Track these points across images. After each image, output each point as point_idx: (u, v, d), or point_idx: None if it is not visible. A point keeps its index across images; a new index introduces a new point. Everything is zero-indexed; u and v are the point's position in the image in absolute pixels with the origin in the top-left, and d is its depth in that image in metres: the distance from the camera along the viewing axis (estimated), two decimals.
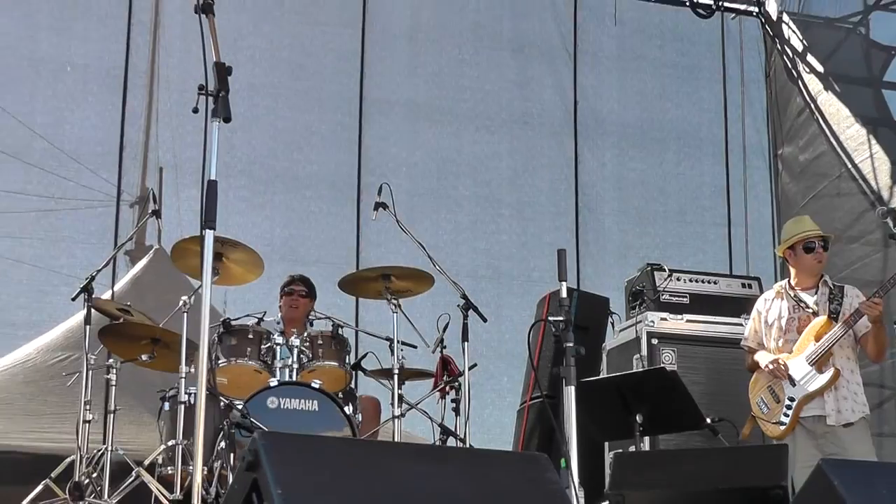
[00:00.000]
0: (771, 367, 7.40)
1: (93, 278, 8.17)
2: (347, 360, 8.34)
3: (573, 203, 12.58)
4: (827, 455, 6.97)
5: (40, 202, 10.80)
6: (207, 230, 4.57)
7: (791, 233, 7.73)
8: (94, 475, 7.62)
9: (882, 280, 7.37)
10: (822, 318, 7.29)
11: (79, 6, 11.39)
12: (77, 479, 7.47)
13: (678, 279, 8.97)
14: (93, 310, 8.11)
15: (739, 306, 8.85)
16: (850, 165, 11.44)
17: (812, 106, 12.18)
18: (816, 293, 7.49)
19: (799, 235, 7.62)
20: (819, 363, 7.21)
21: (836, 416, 7.16)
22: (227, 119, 4.69)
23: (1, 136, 10.84)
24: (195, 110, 4.76)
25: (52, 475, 7.68)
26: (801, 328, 7.40)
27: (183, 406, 7.41)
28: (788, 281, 7.67)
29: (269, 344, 8.02)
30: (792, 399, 7.27)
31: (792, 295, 7.56)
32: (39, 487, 7.48)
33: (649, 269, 9.03)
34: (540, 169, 12.68)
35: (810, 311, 7.42)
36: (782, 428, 7.28)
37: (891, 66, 11.79)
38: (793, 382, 7.27)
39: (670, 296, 8.86)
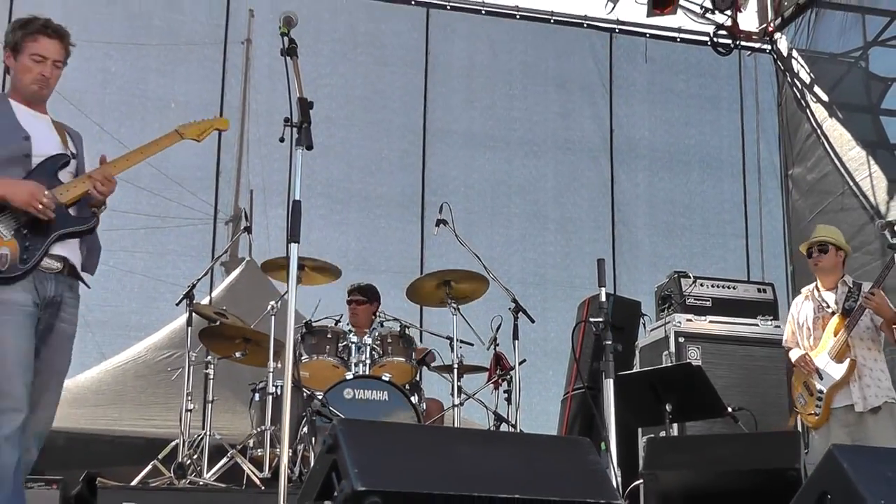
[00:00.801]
0: (800, 364, 7.36)
1: (194, 286, 8.26)
2: (413, 357, 8.35)
3: (610, 218, 12.51)
4: (855, 441, 6.91)
5: (149, 220, 10.88)
6: (292, 244, 4.58)
7: (804, 241, 7.74)
8: (195, 456, 7.68)
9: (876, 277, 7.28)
10: (838, 316, 7.22)
11: (181, 52, 11.46)
12: (180, 460, 7.53)
13: (701, 285, 8.93)
14: (194, 314, 8.18)
15: (756, 308, 8.83)
16: (851, 184, 11.32)
17: (818, 131, 12.07)
18: (836, 292, 7.40)
19: (805, 244, 7.63)
20: (839, 356, 7.13)
21: (862, 403, 7.07)
22: (310, 147, 4.70)
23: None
24: (282, 139, 4.77)
25: (159, 457, 7.73)
26: (824, 326, 7.32)
27: (271, 397, 7.45)
28: (816, 283, 7.60)
29: (345, 342, 8.06)
30: (821, 392, 7.19)
31: (817, 296, 7.51)
32: (148, 467, 7.53)
33: (676, 276, 8.99)
34: (580, 189, 12.63)
35: (830, 309, 7.35)
36: (816, 418, 7.20)
37: (887, 94, 11.65)
38: (821, 376, 7.20)
39: (695, 300, 8.82)
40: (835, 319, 7.25)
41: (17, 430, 4.46)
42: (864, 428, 7.07)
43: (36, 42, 4.95)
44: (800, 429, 7.62)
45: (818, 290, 7.53)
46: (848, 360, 7.09)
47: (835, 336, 7.20)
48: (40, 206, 4.66)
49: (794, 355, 7.51)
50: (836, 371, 7.13)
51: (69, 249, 4.90)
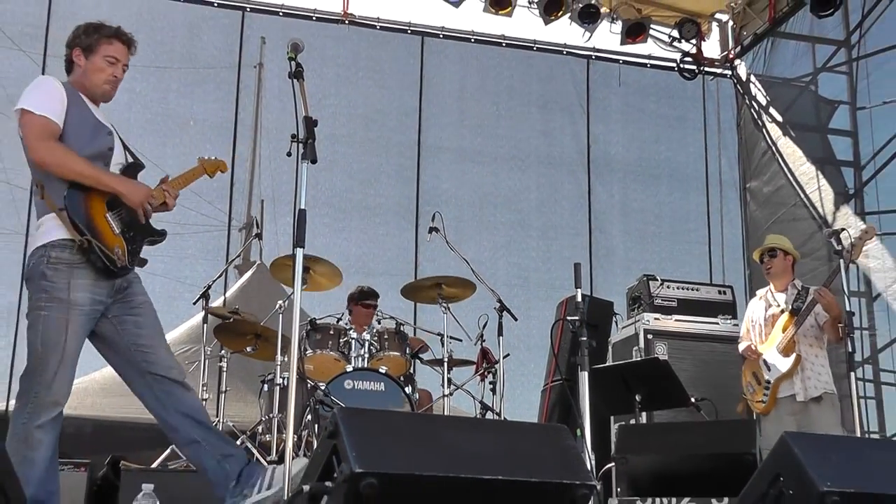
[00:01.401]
0: (746, 353, 7.45)
1: (209, 287, 8.26)
2: (407, 351, 8.36)
3: (587, 226, 12.52)
4: (801, 427, 6.96)
5: (169, 227, 10.72)
6: (298, 249, 4.57)
7: (752, 251, 7.85)
8: None
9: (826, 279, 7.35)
10: (787, 315, 7.28)
11: (200, 74, 11.46)
12: None
13: (668, 287, 8.94)
14: (209, 312, 8.17)
15: (717, 309, 8.86)
16: (802, 196, 11.36)
17: (773, 148, 12.10)
18: (787, 294, 7.48)
19: (758, 251, 7.76)
20: (786, 350, 7.21)
21: (803, 394, 7.19)
22: (314, 161, 4.68)
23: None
24: (289, 154, 4.76)
25: None
26: (774, 323, 7.39)
27: (278, 387, 7.45)
28: (769, 286, 7.67)
29: (346, 338, 8.06)
30: (769, 382, 7.27)
31: (769, 297, 7.60)
32: (167, 451, 7.51)
33: (645, 279, 9.01)
34: (560, 199, 12.64)
35: (780, 308, 7.42)
36: (763, 405, 7.27)
37: (834, 116, 11.69)
38: (768, 368, 7.27)
39: (662, 300, 8.83)
40: (784, 317, 7.35)
41: (51, 420, 4.42)
42: (809, 415, 7.18)
43: (111, 45, 4.85)
44: (746, 415, 7.64)
45: (771, 292, 7.63)
46: (794, 354, 7.20)
47: (783, 332, 7.29)
48: (149, 208, 4.73)
49: (741, 346, 7.66)
50: (784, 364, 7.23)
51: None
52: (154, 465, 7.31)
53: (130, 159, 4.98)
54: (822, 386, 7.21)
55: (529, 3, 11.90)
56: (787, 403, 7.26)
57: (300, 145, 4.61)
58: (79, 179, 4.51)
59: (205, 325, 8.20)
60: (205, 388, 7.91)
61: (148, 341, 4.78)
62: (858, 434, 6.53)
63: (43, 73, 10.75)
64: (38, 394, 4.41)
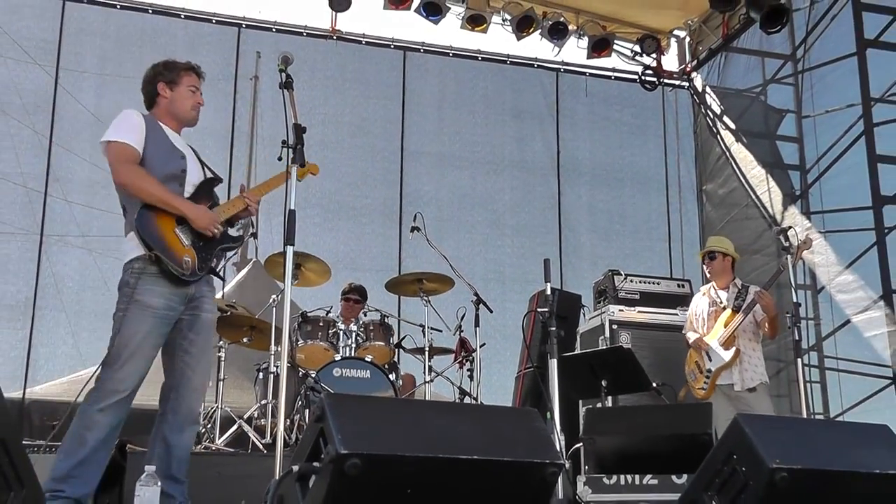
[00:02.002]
0: (696, 344, 7.48)
1: None
2: (392, 341, 8.35)
3: (557, 225, 12.54)
4: (738, 412, 6.98)
5: None
6: (288, 247, 4.54)
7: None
8: (209, 426, 7.63)
9: (767, 280, 7.40)
10: (729, 311, 7.33)
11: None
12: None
13: (631, 281, 8.93)
14: None
15: (676, 301, 8.86)
16: (753, 197, 11.38)
17: (727, 153, 12.12)
18: (728, 291, 7.52)
19: (699, 254, 7.75)
20: (726, 344, 7.27)
21: (740, 384, 7.29)
22: (303, 165, 4.67)
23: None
24: (280, 158, 4.74)
25: None
26: (716, 318, 7.44)
27: (272, 375, 7.43)
28: (712, 284, 7.70)
29: (334, 329, 8.06)
30: (710, 371, 7.32)
31: (713, 294, 7.64)
32: None
33: (610, 273, 9.00)
34: (533, 200, 12.65)
35: (722, 305, 7.47)
36: (704, 392, 7.33)
37: (782, 123, 11.73)
38: (710, 358, 7.32)
39: (626, 293, 8.82)
40: (726, 313, 7.42)
41: (111, 405, 4.59)
42: (744, 403, 7.26)
43: (190, 76, 5.09)
44: (688, 400, 7.68)
45: (714, 289, 7.67)
46: (734, 348, 7.25)
47: (725, 327, 7.35)
48: (216, 231, 4.83)
49: (691, 337, 7.69)
50: (725, 356, 7.31)
51: None
52: None
53: (209, 175, 5.10)
54: (757, 377, 7.32)
55: (503, 20, 11.92)
56: (724, 391, 7.36)
57: (290, 150, 4.57)
58: (151, 201, 4.68)
59: None
60: None
61: (188, 363, 4.88)
62: (805, 416, 6.56)
63: (56, 84, 10.74)
64: (104, 381, 4.62)
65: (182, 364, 4.83)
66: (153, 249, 4.61)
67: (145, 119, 4.90)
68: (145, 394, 9.13)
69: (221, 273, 5.24)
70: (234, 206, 5.05)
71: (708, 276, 7.76)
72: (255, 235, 8.69)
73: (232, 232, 5.10)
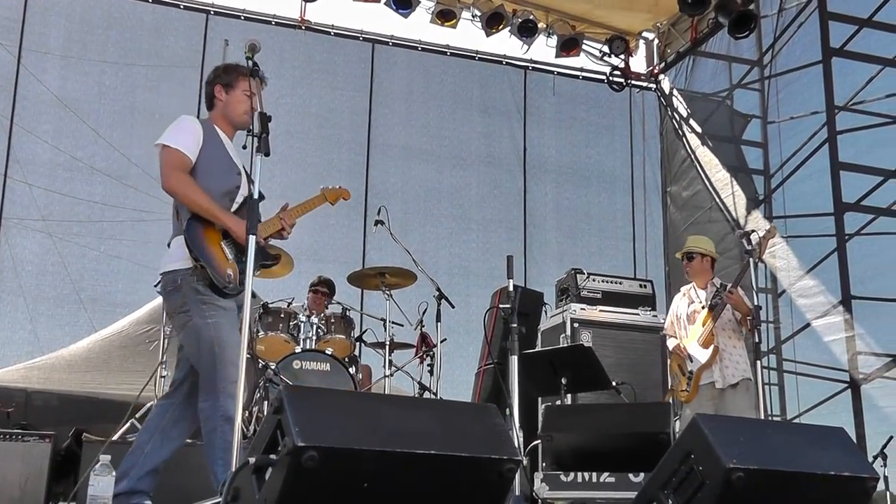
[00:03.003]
0: (675, 351, 7.49)
1: None
2: (352, 335, 8.33)
3: (522, 221, 12.59)
4: (718, 411, 7.04)
5: (134, 214, 10.72)
6: (250, 236, 4.49)
7: (678, 247, 7.88)
8: None
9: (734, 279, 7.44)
10: (706, 310, 7.34)
11: (165, 72, 11.34)
12: None
13: (594, 280, 8.94)
14: None
15: (638, 301, 8.88)
16: (718, 200, 11.48)
17: (692, 156, 12.21)
18: (707, 291, 7.53)
19: (678, 253, 7.76)
20: (705, 343, 7.26)
21: (721, 381, 7.24)
22: (267, 154, 4.61)
23: (107, 164, 10.84)
24: (244, 147, 4.70)
25: (137, 416, 7.61)
26: (695, 317, 7.44)
27: None
28: (692, 284, 7.71)
29: (295, 321, 8.01)
30: (691, 372, 7.30)
31: (692, 294, 7.64)
32: (127, 425, 7.40)
33: (573, 272, 9.00)
34: (499, 196, 12.69)
35: (701, 305, 7.46)
36: (687, 394, 7.32)
37: (747, 128, 11.83)
38: (691, 360, 7.32)
39: (588, 292, 8.83)
40: (704, 313, 7.39)
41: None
42: (725, 400, 7.24)
43: (247, 81, 4.92)
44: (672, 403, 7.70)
45: (694, 289, 7.66)
46: (713, 346, 7.23)
47: (703, 327, 7.33)
48: (261, 244, 4.80)
49: (670, 344, 7.65)
50: (703, 355, 7.26)
51: None
52: (114, 438, 7.18)
53: (239, 186, 5.06)
54: (739, 373, 7.25)
55: (473, 16, 11.93)
56: (706, 390, 7.30)
57: (255, 139, 4.53)
58: (198, 212, 4.75)
59: (164, 307, 8.08)
60: (164, 366, 7.80)
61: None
62: (763, 417, 6.60)
63: (18, 64, 10.61)
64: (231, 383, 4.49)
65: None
66: (199, 261, 4.69)
67: (203, 126, 4.94)
68: (102, 382, 9.12)
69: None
70: (273, 226, 5.09)
71: (687, 276, 7.75)
72: None
73: (269, 249, 5.16)
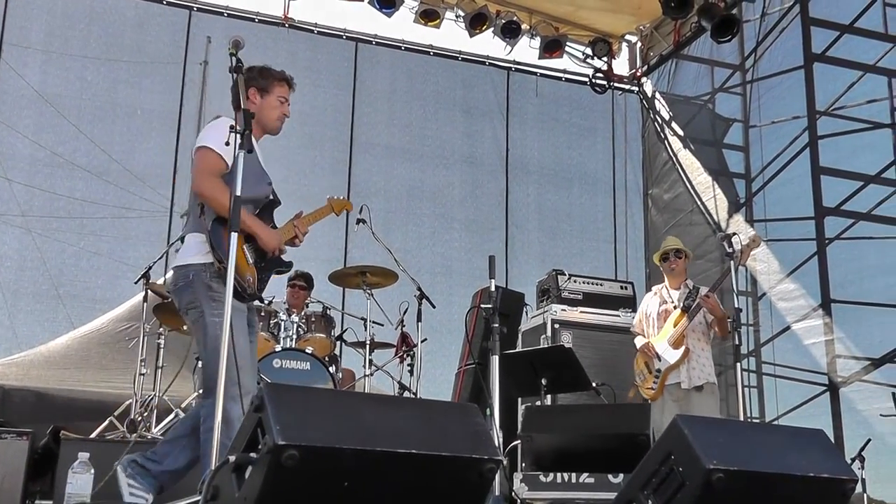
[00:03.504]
0: (643, 350, 7.52)
1: (150, 268, 8.14)
2: (333, 334, 8.31)
3: (504, 222, 12.61)
4: (683, 412, 7.05)
5: (115, 210, 10.70)
6: (232, 233, 4.46)
7: (657, 249, 7.90)
8: (146, 414, 7.56)
9: (712, 283, 7.48)
10: (678, 311, 7.37)
11: (147, 67, 11.29)
12: (132, 417, 7.40)
13: (575, 281, 8.97)
14: (150, 291, 8.03)
15: (618, 302, 8.91)
16: (699, 203, 11.51)
17: (674, 159, 12.24)
18: (679, 291, 7.57)
19: (659, 251, 7.80)
20: (675, 343, 7.30)
21: (688, 382, 7.31)
22: (250, 151, 4.60)
23: (88, 160, 10.79)
24: (227, 143, 4.67)
25: (115, 414, 7.60)
26: (667, 318, 7.48)
27: None
28: (665, 283, 7.74)
29: (275, 320, 7.98)
30: (659, 371, 7.34)
31: (665, 293, 7.67)
32: (105, 422, 7.40)
33: (554, 273, 9.02)
34: (481, 196, 12.70)
35: (673, 305, 7.49)
36: (653, 392, 7.36)
37: (729, 132, 11.89)
38: (659, 358, 7.35)
39: (569, 293, 8.86)
40: (676, 313, 7.44)
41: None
42: (691, 402, 7.31)
43: (282, 87, 5.18)
44: (637, 401, 7.72)
45: (667, 288, 7.70)
46: (683, 347, 7.28)
47: (674, 327, 7.37)
48: (278, 253, 4.94)
49: (639, 342, 7.70)
50: (673, 356, 7.32)
51: None
52: (92, 436, 7.16)
53: (271, 197, 5.12)
54: (705, 376, 7.34)
55: (456, 16, 11.91)
56: (672, 390, 7.38)
57: (238, 136, 4.50)
58: (226, 216, 4.61)
59: (144, 304, 8.05)
60: (143, 364, 7.79)
61: (250, 368, 4.89)
62: (742, 419, 6.63)
63: None
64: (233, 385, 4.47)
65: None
66: (223, 262, 4.64)
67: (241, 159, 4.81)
68: (80, 380, 9.06)
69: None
70: (287, 233, 5.13)
71: (669, 273, 7.75)
72: None
73: (284, 256, 5.16)
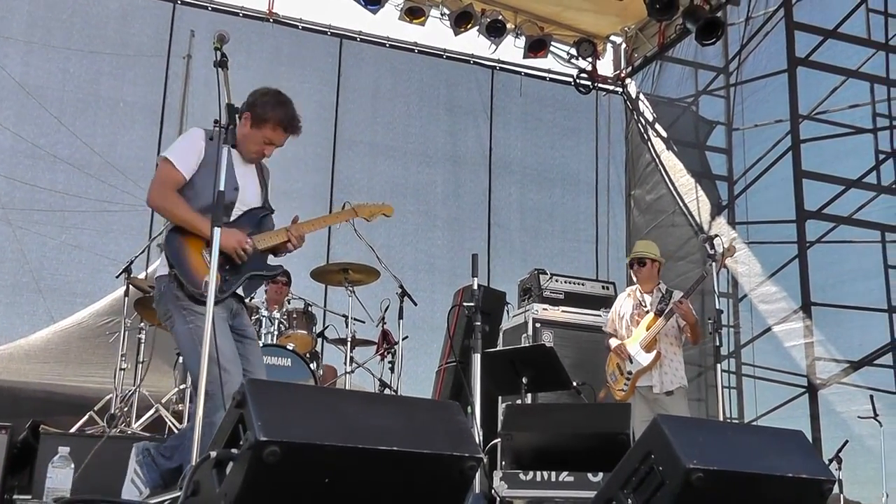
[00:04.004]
0: (616, 351, 7.55)
1: (132, 262, 8.09)
2: (314, 330, 8.30)
3: (487, 220, 12.62)
4: (655, 414, 7.06)
5: (96, 204, 10.64)
6: (215, 228, 4.45)
7: (629, 254, 7.99)
8: (126, 409, 7.53)
9: (697, 289, 7.50)
10: (652, 314, 7.41)
11: (130, 60, 11.24)
12: (112, 412, 7.38)
13: (556, 281, 8.98)
14: (131, 286, 8.01)
15: (600, 302, 8.92)
16: (681, 205, 11.55)
17: (657, 160, 12.27)
18: (653, 295, 7.60)
19: (629, 257, 7.84)
20: (648, 347, 7.36)
21: (660, 386, 7.38)
22: (234, 145, 4.60)
23: (70, 153, 10.74)
24: (211, 138, 4.67)
25: (95, 408, 7.57)
26: (639, 321, 7.51)
27: None
28: (637, 286, 7.77)
29: (257, 316, 7.95)
30: (630, 373, 7.39)
31: (637, 296, 7.70)
32: (85, 417, 7.38)
33: (536, 272, 9.03)
34: (464, 195, 12.71)
35: (646, 308, 7.55)
36: (623, 393, 7.40)
37: (712, 134, 11.93)
38: (631, 360, 7.40)
39: (550, 293, 8.87)
40: (649, 317, 7.50)
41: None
42: (662, 405, 7.37)
43: (275, 131, 5.10)
44: (608, 401, 7.75)
45: (640, 291, 7.73)
46: (655, 351, 7.34)
47: (647, 331, 7.42)
48: (241, 253, 4.87)
49: (612, 343, 7.74)
50: (645, 359, 7.39)
51: None
52: (71, 431, 7.14)
53: (257, 205, 5.19)
54: (677, 381, 7.42)
55: (441, 14, 11.91)
56: (644, 392, 7.45)
57: (222, 130, 4.49)
58: (180, 224, 4.82)
59: (126, 299, 8.03)
60: (124, 359, 7.77)
61: (251, 368, 4.94)
62: (721, 419, 6.66)
63: None
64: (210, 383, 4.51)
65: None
66: (173, 268, 4.77)
67: (213, 142, 4.84)
68: (60, 374, 9.02)
69: (250, 300, 5.50)
70: (276, 237, 5.10)
71: (636, 280, 7.83)
72: None
73: (271, 261, 5.17)
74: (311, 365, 7.65)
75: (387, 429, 3.26)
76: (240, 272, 4.95)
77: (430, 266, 12.06)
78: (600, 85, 13.20)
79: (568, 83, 13.12)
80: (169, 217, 4.89)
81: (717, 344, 6.64)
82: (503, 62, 13.03)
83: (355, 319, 8.22)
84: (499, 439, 6.32)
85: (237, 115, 4.59)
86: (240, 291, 5.06)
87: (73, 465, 4.30)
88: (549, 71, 13.25)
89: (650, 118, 12.60)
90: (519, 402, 7.20)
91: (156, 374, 8.86)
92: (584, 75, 12.95)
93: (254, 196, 5.16)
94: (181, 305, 4.75)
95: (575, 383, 7.27)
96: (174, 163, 4.87)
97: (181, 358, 7.78)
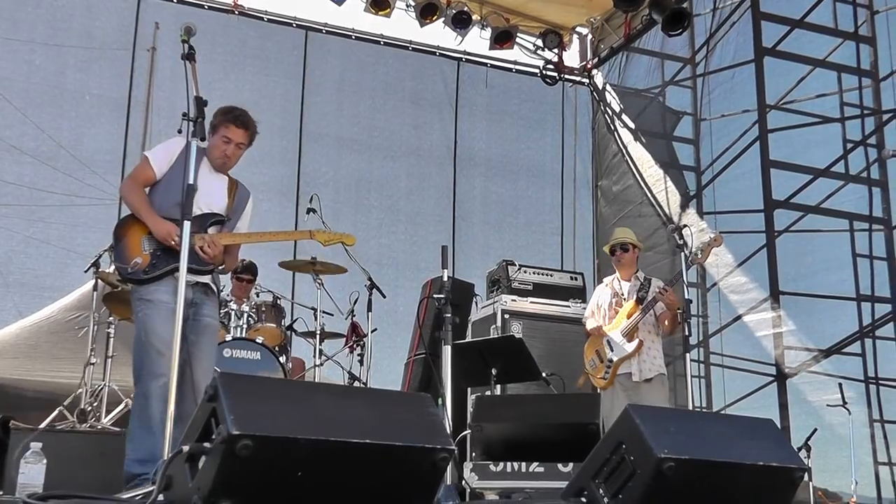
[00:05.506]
0: (594, 332, 7.54)
1: (100, 256, 8.02)
2: (283, 323, 8.27)
3: (451, 213, 12.62)
4: (633, 402, 7.09)
5: (63, 198, 10.56)
6: (185, 221, 4.44)
7: (607, 241, 7.94)
8: (95, 404, 7.47)
9: (670, 278, 7.51)
10: (632, 302, 7.40)
11: (96, 53, 11.13)
12: (82, 407, 7.33)
13: (525, 272, 9.00)
14: (99, 280, 7.95)
15: (568, 293, 8.96)
16: (649, 195, 11.60)
17: (624, 151, 12.33)
18: (631, 283, 7.60)
19: (608, 244, 7.82)
20: (629, 335, 7.33)
21: (638, 374, 7.33)
22: (203, 138, 4.61)
23: (35, 146, 10.65)
24: (179, 131, 4.68)
25: (65, 403, 7.51)
26: (618, 309, 7.50)
27: None
28: (616, 275, 7.76)
29: (226, 309, 7.91)
30: (611, 361, 7.37)
31: (616, 285, 7.69)
32: (55, 412, 7.30)
33: (504, 263, 9.04)
34: (428, 188, 12.70)
35: (624, 297, 7.53)
36: (605, 381, 7.38)
37: (679, 125, 11.99)
38: (611, 348, 7.38)
39: (519, 284, 8.89)
40: (629, 304, 7.45)
41: (163, 388, 4.64)
42: (640, 393, 7.32)
43: (227, 128, 5.43)
44: (587, 389, 7.77)
45: (618, 280, 7.72)
46: (637, 339, 7.31)
47: (627, 318, 7.39)
48: (171, 242, 5.03)
49: (590, 324, 7.70)
50: (627, 347, 7.34)
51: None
52: (42, 426, 7.06)
53: (215, 210, 5.40)
54: (655, 369, 7.37)
55: (407, 6, 11.84)
56: (623, 381, 7.40)
57: (190, 123, 4.48)
58: (133, 211, 5.23)
59: (94, 293, 7.96)
60: (93, 353, 7.71)
61: (192, 357, 5.09)
62: (690, 408, 6.71)
63: None
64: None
65: (184, 364, 4.92)
66: (111, 246, 5.29)
67: (187, 150, 4.90)
68: (29, 369, 8.94)
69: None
70: (197, 240, 5.16)
71: (617, 266, 7.78)
72: None
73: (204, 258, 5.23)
74: (281, 358, 7.62)
75: (360, 421, 3.27)
76: (170, 262, 5.08)
77: (394, 260, 12.06)
78: (567, 76, 13.21)
79: (534, 75, 13.13)
80: (128, 205, 5.28)
81: (686, 333, 6.67)
82: (469, 54, 13.01)
83: (324, 312, 8.21)
84: (469, 431, 6.34)
85: (203, 111, 4.67)
86: (208, 282, 5.33)
87: (45, 461, 4.27)
88: (515, 62, 13.25)
89: (617, 109, 12.65)
90: (488, 393, 7.21)
91: (125, 368, 8.75)
92: (550, 66, 12.95)
93: (218, 205, 5.42)
94: (140, 297, 5.13)
95: (544, 374, 7.29)
96: (150, 160, 5.28)
97: None
